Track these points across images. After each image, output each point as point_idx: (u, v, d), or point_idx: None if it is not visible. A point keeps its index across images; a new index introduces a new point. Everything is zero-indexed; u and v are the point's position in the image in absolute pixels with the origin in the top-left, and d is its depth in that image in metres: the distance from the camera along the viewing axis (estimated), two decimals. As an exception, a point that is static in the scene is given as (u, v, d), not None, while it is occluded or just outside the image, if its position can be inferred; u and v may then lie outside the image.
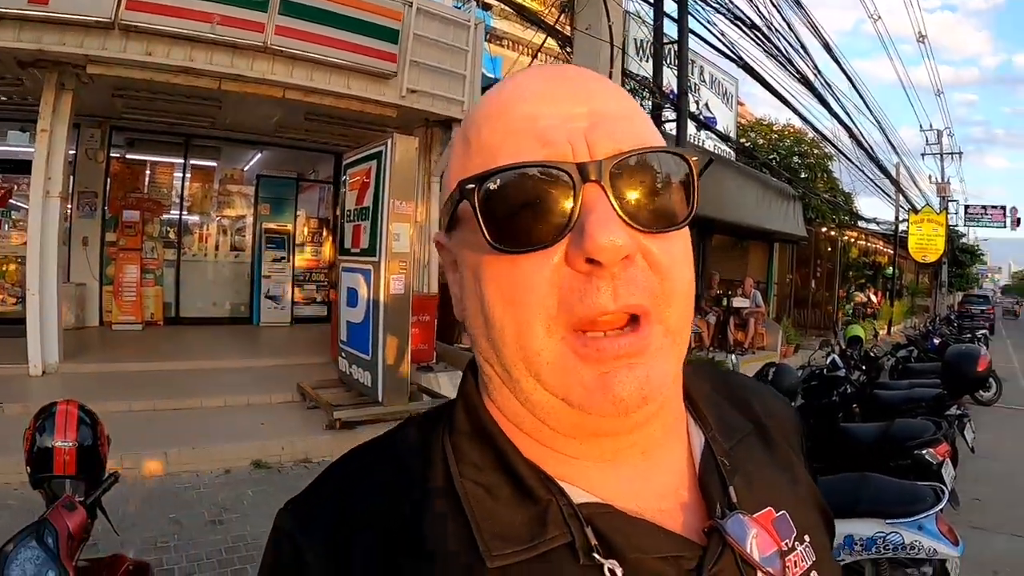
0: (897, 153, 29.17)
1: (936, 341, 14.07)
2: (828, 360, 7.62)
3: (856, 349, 9.78)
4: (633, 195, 0.61)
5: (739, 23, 12.82)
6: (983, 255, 64.87)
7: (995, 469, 7.80)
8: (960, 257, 47.32)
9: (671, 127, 10.52)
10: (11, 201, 11.24)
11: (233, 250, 13.86)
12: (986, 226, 43.79)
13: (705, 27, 14.98)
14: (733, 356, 12.02)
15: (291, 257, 14.01)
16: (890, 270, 31.53)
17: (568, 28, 11.27)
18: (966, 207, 43.10)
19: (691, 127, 12.38)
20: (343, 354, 8.32)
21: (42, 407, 2.18)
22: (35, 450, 2.10)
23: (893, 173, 29.02)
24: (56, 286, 7.98)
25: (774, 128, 24.55)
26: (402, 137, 7.65)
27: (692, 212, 0.64)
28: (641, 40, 13.87)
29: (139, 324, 11.66)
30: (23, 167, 9.04)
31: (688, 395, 0.77)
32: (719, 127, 17.32)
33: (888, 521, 3.80)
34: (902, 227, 29.91)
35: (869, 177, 25.65)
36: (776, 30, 14.12)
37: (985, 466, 7.61)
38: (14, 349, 7.90)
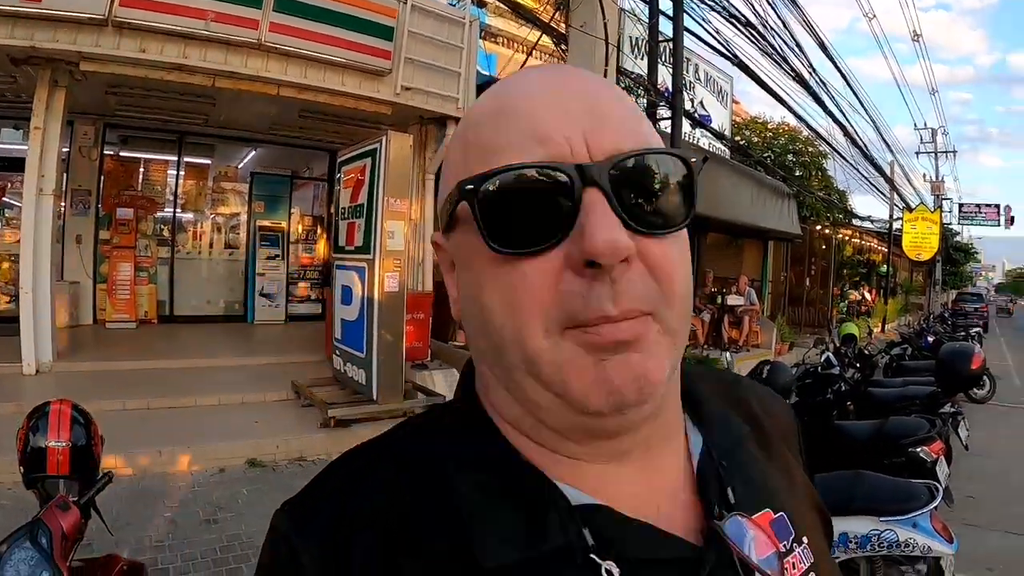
0: (891, 151, 29.29)
1: (930, 339, 14.10)
2: (822, 358, 7.61)
3: (850, 347, 9.77)
4: (632, 197, 0.61)
5: (734, 21, 12.83)
6: (977, 253, 65.13)
7: (989, 466, 7.84)
8: (954, 255, 47.51)
9: (666, 125, 10.53)
10: (4, 199, 11.20)
11: (227, 248, 13.84)
12: (980, 224, 44.09)
13: (700, 25, 15.06)
14: (727, 354, 12.02)
15: (285, 255, 14.01)
16: (884, 268, 31.61)
17: (563, 26, 11.27)
18: (960, 205, 43.40)
19: (686, 125, 12.42)
20: (337, 352, 8.32)
21: (35, 407, 2.18)
22: (28, 450, 2.10)
23: (887, 171, 29.11)
24: (50, 284, 7.95)
25: (769, 126, 24.65)
26: (397, 134, 7.65)
27: (691, 213, 0.64)
28: (636, 38, 13.86)
29: (133, 322, 11.65)
30: (16, 165, 9.00)
31: (686, 396, 0.76)
32: (714, 125, 17.35)
33: (883, 519, 3.81)
34: (896, 225, 30.05)
35: (863, 175, 25.75)
36: (771, 28, 14.14)
37: (979, 464, 7.64)
38: (7, 348, 7.87)
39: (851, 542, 3.82)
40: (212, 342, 10.95)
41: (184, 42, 7.58)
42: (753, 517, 0.69)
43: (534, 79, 0.68)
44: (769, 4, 14.02)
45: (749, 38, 13.49)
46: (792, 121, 21.33)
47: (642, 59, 12.71)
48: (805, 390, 6.60)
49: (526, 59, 13.30)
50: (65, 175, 10.40)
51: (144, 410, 7.13)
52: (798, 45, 15.54)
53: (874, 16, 22.31)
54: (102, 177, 11.89)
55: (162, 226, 12.94)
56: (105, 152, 11.90)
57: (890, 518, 3.81)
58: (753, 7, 13.81)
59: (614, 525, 0.64)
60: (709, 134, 16.91)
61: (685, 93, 11.66)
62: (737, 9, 12.86)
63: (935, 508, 3.87)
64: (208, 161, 13.56)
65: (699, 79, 17.67)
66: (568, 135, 0.61)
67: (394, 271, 7.50)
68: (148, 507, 5.24)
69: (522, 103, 0.64)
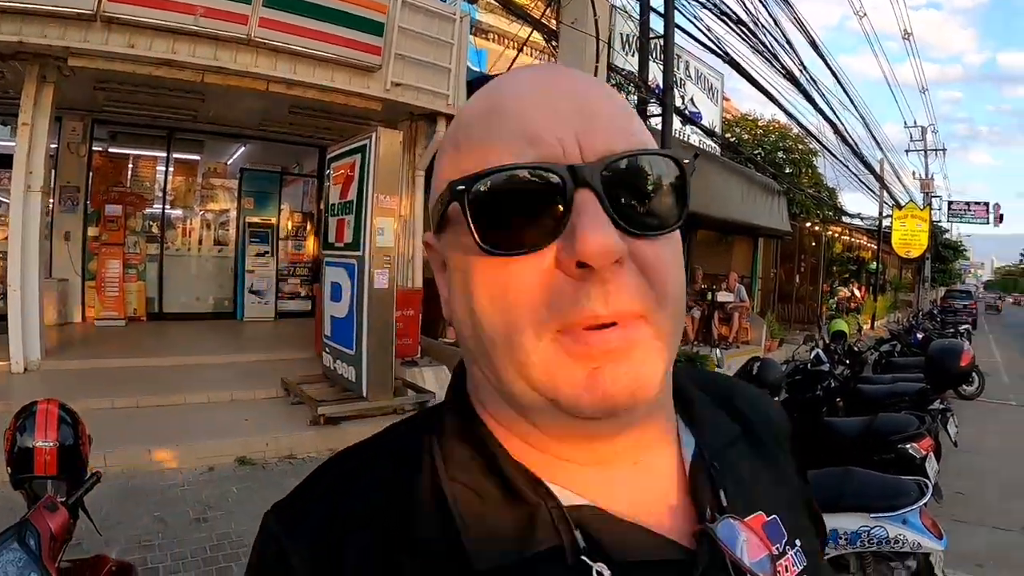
0: (881, 149, 29.46)
1: (919, 336, 14.17)
2: (812, 354, 7.65)
3: (840, 344, 9.82)
4: (624, 198, 0.60)
5: (725, 18, 12.87)
6: (966, 251, 65.60)
7: (978, 463, 7.89)
8: (943, 253, 47.82)
9: (656, 122, 10.54)
10: (-8, 195, 11.12)
11: (216, 244, 13.79)
12: (969, 222, 44.39)
13: (691, 22, 15.02)
14: (717, 350, 12.10)
15: (275, 251, 13.96)
16: (874, 265, 31.74)
17: (554, 22, 11.27)
18: (949, 203, 43.63)
19: (676, 122, 12.43)
20: (327, 349, 8.31)
21: (22, 407, 2.17)
22: (16, 450, 2.09)
23: (877, 169, 29.27)
24: (38, 282, 7.90)
25: (759, 123, 24.73)
26: (386, 131, 7.64)
27: (684, 215, 0.64)
28: (627, 35, 13.87)
29: (122, 320, 11.60)
30: (4, 161, 8.92)
31: (678, 397, 0.76)
32: (704, 122, 17.37)
33: (872, 515, 3.83)
34: (886, 223, 30.19)
35: (853, 173, 25.91)
36: (762, 26, 14.21)
37: (968, 460, 7.69)
38: (-5, 346, 7.83)
39: (841, 539, 3.83)
40: (201, 339, 10.91)
41: (173, 37, 7.54)
42: (746, 519, 0.69)
43: (525, 79, 0.68)
44: (760, 1, 14.07)
45: (740, 35, 13.56)
46: (782, 118, 21.45)
47: (633, 56, 12.74)
48: (795, 387, 6.62)
49: (517, 55, 13.30)
50: (53, 171, 10.36)
51: (133, 408, 7.10)
52: (789, 43, 15.62)
53: (865, 14, 22.41)
54: (90, 173, 11.80)
55: (151, 223, 12.87)
56: (94, 148, 11.82)
57: (880, 514, 3.82)
58: (744, 4, 13.91)
59: (605, 526, 0.63)
60: (699, 131, 16.94)
61: (676, 90, 11.69)
62: (728, 6, 12.92)
63: (925, 504, 3.89)
64: (197, 157, 13.49)
65: (690, 76, 17.69)
66: (560, 136, 0.61)
67: (384, 268, 7.49)
68: (137, 506, 5.21)
69: (513, 103, 0.64)
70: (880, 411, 5.99)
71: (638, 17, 11.43)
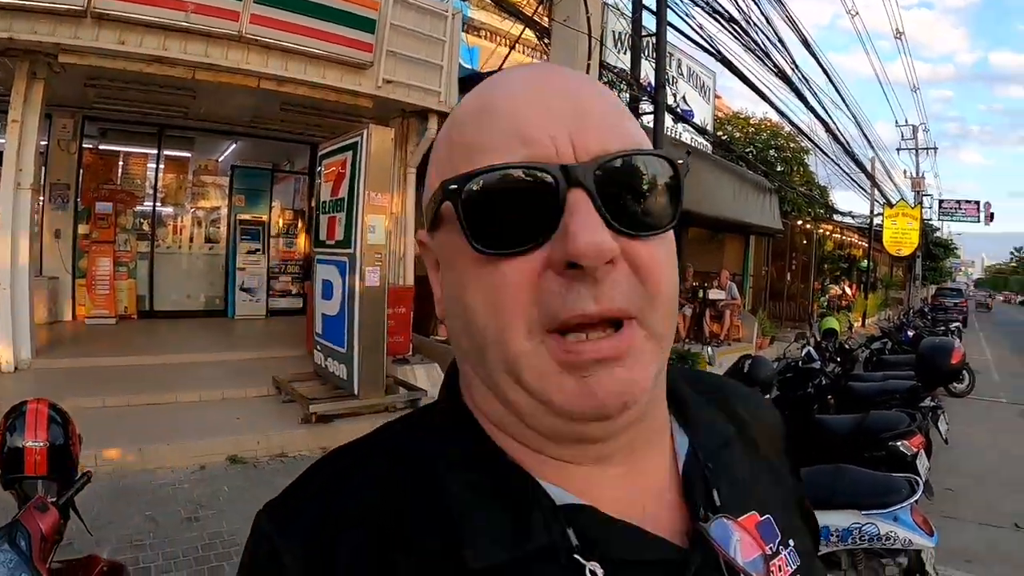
0: (872, 148, 29.56)
1: (910, 334, 14.25)
2: (803, 352, 7.69)
3: (831, 341, 9.88)
4: (617, 198, 0.60)
5: (718, 17, 12.88)
6: (957, 249, 65.93)
7: (968, 460, 7.94)
8: (934, 251, 48.03)
9: (648, 120, 10.54)
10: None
11: (207, 242, 13.72)
12: (960, 221, 44.63)
13: (684, 20, 15.03)
14: (709, 348, 12.10)
15: (266, 249, 13.89)
16: (865, 263, 31.92)
17: (546, 19, 11.26)
18: (940, 202, 43.79)
19: (668, 120, 12.43)
20: (318, 347, 8.30)
21: (12, 406, 2.16)
22: (5, 450, 2.08)
23: (868, 167, 29.35)
24: (28, 280, 7.86)
25: (751, 122, 24.75)
26: (378, 128, 7.64)
27: (677, 215, 0.64)
28: (619, 32, 13.87)
29: (112, 318, 11.53)
30: (-6, 158, 8.90)
31: (672, 398, 0.76)
32: (696, 120, 17.41)
33: (864, 512, 3.87)
34: (877, 221, 30.30)
35: (845, 171, 25.95)
36: (754, 24, 14.21)
37: (958, 457, 7.75)
38: (-15, 344, 7.77)
39: (833, 536, 3.86)
40: (192, 337, 10.87)
41: (164, 34, 7.49)
42: (739, 519, 0.69)
43: (518, 78, 0.68)
44: (753, 0, 14.07)
45: (732, 34, 13.56)
46: (774, 117, 21.46)
47: (625, 54, 12.74)
48: (786, 384, 6.66)
49: (509, 53, 13.31)
50: (43, 169, 10.28)
51: (124, 407, 7.07)
52: (781, 41, 15.65)
53: (857, 13, 22.44)
54: (81, 171, 11.72)
55: (142, 220, 12.79)
56: (84, 145, 11.73)
57: (871, 511, 3.86)
58: (736, 3, 13.91)
59: (598, 526, 0.63)
60: (691, 129, 16.97)
61: (668, 88, 11.68)
62: (720, 5, 12.92)
63: (915, 501, 3.93)
64: (188, 154, 13.43)
65: (682, 74, 17.73)
66: (553, 135, 0.61)
67: (375, 265, 7.49)
68: (128, 506, 5.20)
69: (505, 102, 0.64)
70: (871, 409, 6.04)
71: (630, 15, 11.43)
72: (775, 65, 15.54)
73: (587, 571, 0.60)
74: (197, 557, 4.56)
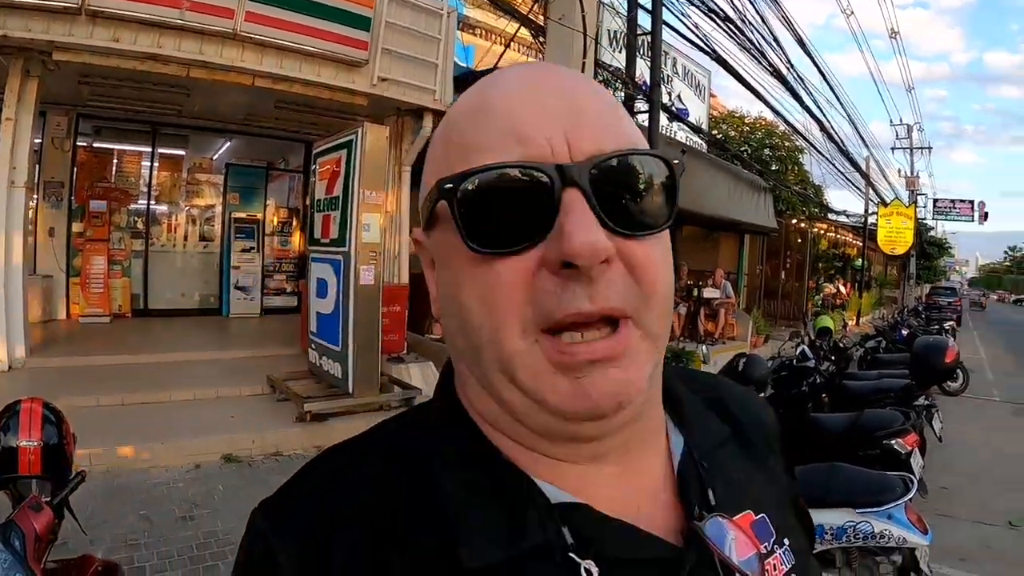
0: (867, 147, 29.61)
1: (904, 332, 14.27)
2: (798, 351, 7.68)
3: (825, 340, 9.87)
4: (613, 198, 0.60)
5: (713, 16, 12.89)
6: (951, 248, 66.10)
7: (962, 458, 7.96)
8: (928, 250, 48.09)
9: (643, 118, 10.55)
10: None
11: (202, 240, 13.69)
12: (954, 220, 44.85)
13: (679, 19, 15.11)
14: (703, 346, 12.11)
15: (261, 247, 13.87)
16: (859, 262, 31.93)
17: (541, 18, 11.26)
18: (935, 201, 44.00)
19: (663, 119, 12.44)
20: (313, 345, 8.29)
21: (6, 406, 2.16)
22: (-1, 450, 2.06)
23: (863, 166, 29.41)
24: (22, 279, 7.84)
25: (746, 120, 24.78)
26: (373, 126, 7.63)
27: (673, 215, 0.64)
28: (614, 31, 13.90)
29: (107, 316, 11.49)
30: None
31: (667, 397, 0.76)
32: (691, 119, 17.41)
33: (858, 511, 3.87)
34: (871, 220, 30.38)
35: (839, 170, 26.04)
36: (750, 23, 14.24)
37: (952, 455, 7.77)
38: (-21, 344, 7.75)
39: (827, 534, 3.87)
40: (186, 336, 10.86)
41: (158, 31, 7.48)
42: (734, 518, 0.69)
43: (513, 77, 0.68)
44: (748, -1, 14.10)
45: (728, 33, 13.58)
46: (769, 116, 21.52)
47: (620, 52, 12.76)
48: (780, 383, 6.66)
49: (504, 51, 13.29)
50: (37, 167, 10.28)
51: (118, 406, 7.05)
52: (776, 40, 15.67)
53: (852, 12, 22.48)
54: (75, 169, 11.69)
55: (136, 218, 12.75)
56: (78, 143, 11.70)
57: (865, 510, 3.86)
58: (732, 2, 13.93)
59: (593, 524, 0.63)
60: (686, 128, 16.98)
61: (663, 87, 11.69)
62: (716, 3, 12.93)
63: (910, 500, 3.93)
64: (182, 152, 13.39)
65: (677, 73, 17.74)
66: (549, 135, 0.61)
67: (370, 264, 7.48)
68: (123, 505, 5.19)
69: (501, 102, 0.64)
70: (865, 407, 6.05)
71: (626, 13, 11.43)
72: (770, 64, 15.58)
73: (582, 569, 0.60)
74: (192, 556, 4.55)
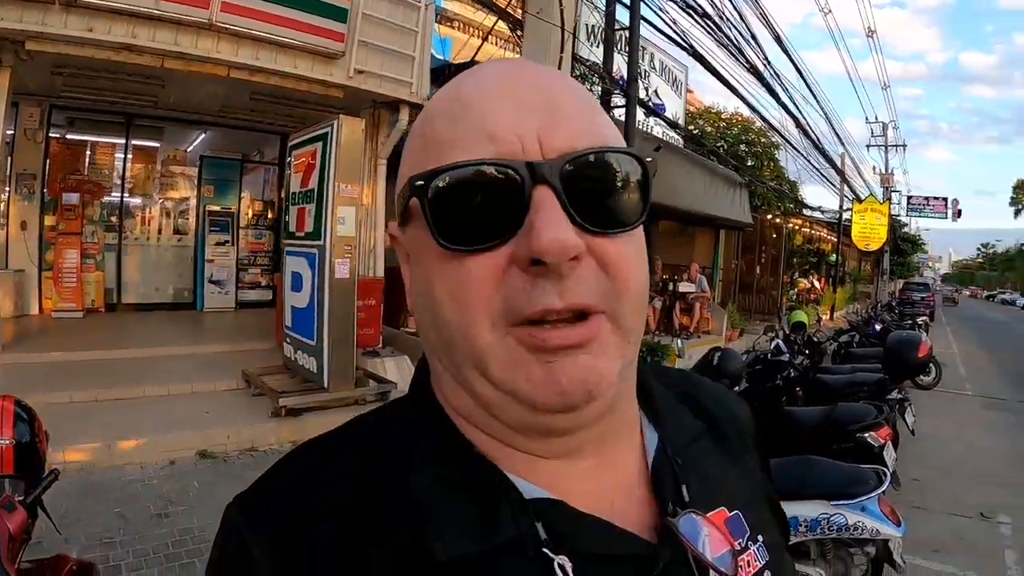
0: (842, 144, 29.80)
1: (878, 327, 14.39)
2: (772, 345, 7.74)
3: (800, 334, 9.93)
4: (584, 195, 0.60)
5: (691, 11, 12.92)
6: (924, 244, 66.83)
7: (935, 451, 8.07)
8: (902, 246, 48.62)
9: (620, 113, 10.57)
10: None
11: (176, 233, 13.56)
12: (928, 217, 45.32)
13: (657, 14, 15.08)
14: (678, 340, 12.14)
15: (235, 240, 13.78)
16: (833, 257, 32.20)
17: (519, 11, 11.25)
18: (909, 198, 44.47)
19: (640, 113, 12.46)
20: (288, 339, 8.26)
21: (-24, 404, 2.12)
22: (-30, 449, 2.04)
23: (838, 163, 29.62)
24: (-8, 272, 7.74)
25: (722, 116, 24.90)
26: (348, 119, 7.60)
27: (645, 213, 0.65)
28: (592, 25, 13.90)
29: (80, 311, 11.34)
30: (-42, 148, 8.75)
31: (642, 393, 0.76)
32: (668, 114, 17.51)
33: (832, 503, 3.91)
34: (846, 216, 30.62)
35: (815, 166, 26.20)
36: (727, 19, 14.28)
37: (925, 448, 7.87)
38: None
39: (801, 526, 3.90)
40: (161, 330, 10.76)
41: (133, 21, 7.36)
42: (708, 515, 0.70)
43: (489, 73, 0.68)
44: (725, -5, 14.14)
45: (705, 29, 13.62)
46: (745, 112, 21.62)
47: (598, 47, 12.77)
48: (755, 376, 6.69)
49: (481, 44, 13.27)
50: (9, 159, 10.14)
51: (91, 402, 6.98)
52: (753, 37, 15.76)
53: (829, 11, 22.61)
54: (48, 161, 11.52)
55: (109, 211, 12.60)
56: (51, 135, 11.53)
57: (839, 502, 3.90)
58: (710, -2, 13.93)
59: (567, 519, 0.64)
60: (663, 123, 17.04)
61: (640, 82, 11.70)
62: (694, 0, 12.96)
63: (883, 492, 3.98)
64: (157, 144, 13.25)
65: (654, 68, 17.79)
66: (520, 132, 0.61)
67: (345, 257, 7.46)
68: (97, 503, 5.15)
69: (475, 98, 0.64)
70: (839, 401, 6.10)
71: (604, 8, 11.44)
72: (747, 61, 15.64)
73: (555, 564, 0.60)
74: (168, 554, 4.52)
